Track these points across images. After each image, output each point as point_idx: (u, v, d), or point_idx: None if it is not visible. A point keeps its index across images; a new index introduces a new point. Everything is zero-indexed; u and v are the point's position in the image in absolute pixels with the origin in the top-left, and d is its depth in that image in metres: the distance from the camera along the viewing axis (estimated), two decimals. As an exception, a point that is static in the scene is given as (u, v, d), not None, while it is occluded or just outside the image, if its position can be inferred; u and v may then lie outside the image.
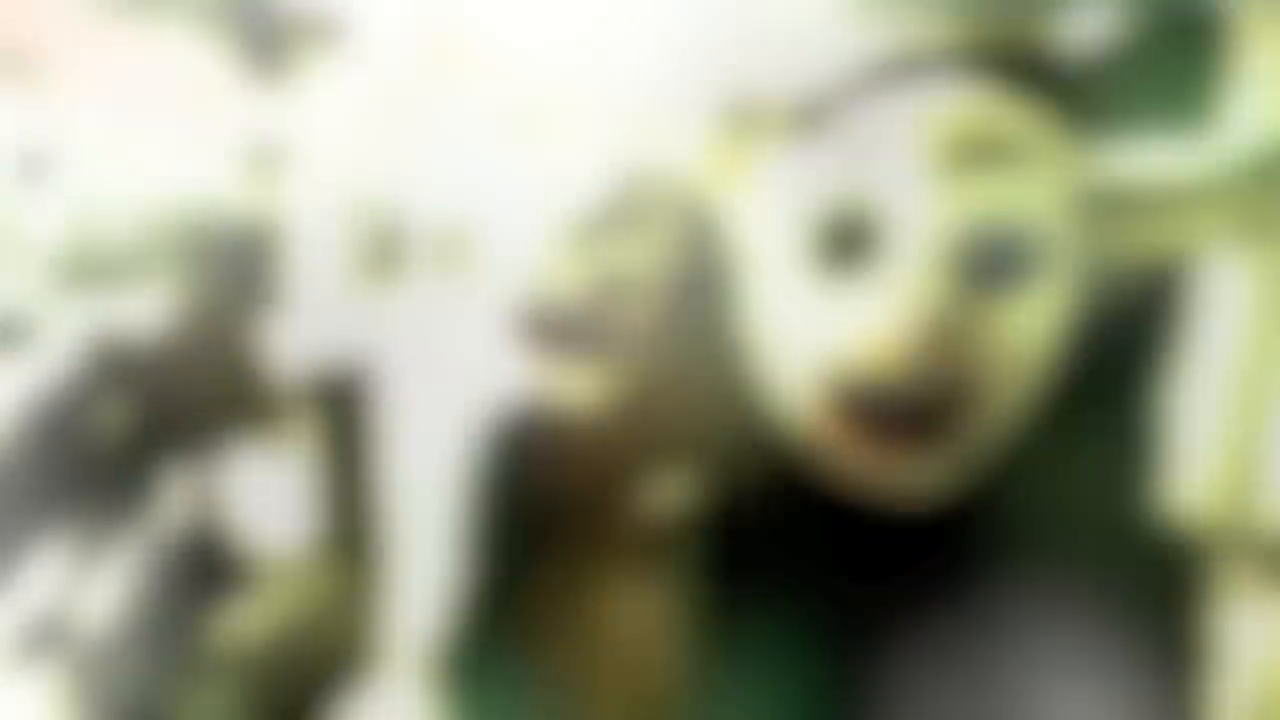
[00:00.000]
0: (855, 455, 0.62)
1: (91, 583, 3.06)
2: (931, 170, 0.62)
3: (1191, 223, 0.64)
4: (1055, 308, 0.63)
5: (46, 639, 2.88)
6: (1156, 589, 0.68)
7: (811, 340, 0.63)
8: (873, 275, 0.62)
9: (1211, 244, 0.64)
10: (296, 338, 1.06)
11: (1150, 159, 0.65)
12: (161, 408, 3.30)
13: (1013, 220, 0.62)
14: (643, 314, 1.13)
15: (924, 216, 0.62)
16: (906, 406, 0.60)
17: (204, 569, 3.45)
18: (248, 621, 3.31)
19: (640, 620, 0.76)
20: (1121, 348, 0.67)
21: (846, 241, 0.63)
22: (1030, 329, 0.62)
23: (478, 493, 1.17)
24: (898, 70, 0.68)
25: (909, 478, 0.62)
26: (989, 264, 0.62)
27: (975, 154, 0.63)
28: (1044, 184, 0.63)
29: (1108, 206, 0.65)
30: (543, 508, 1.11)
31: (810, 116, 0.69)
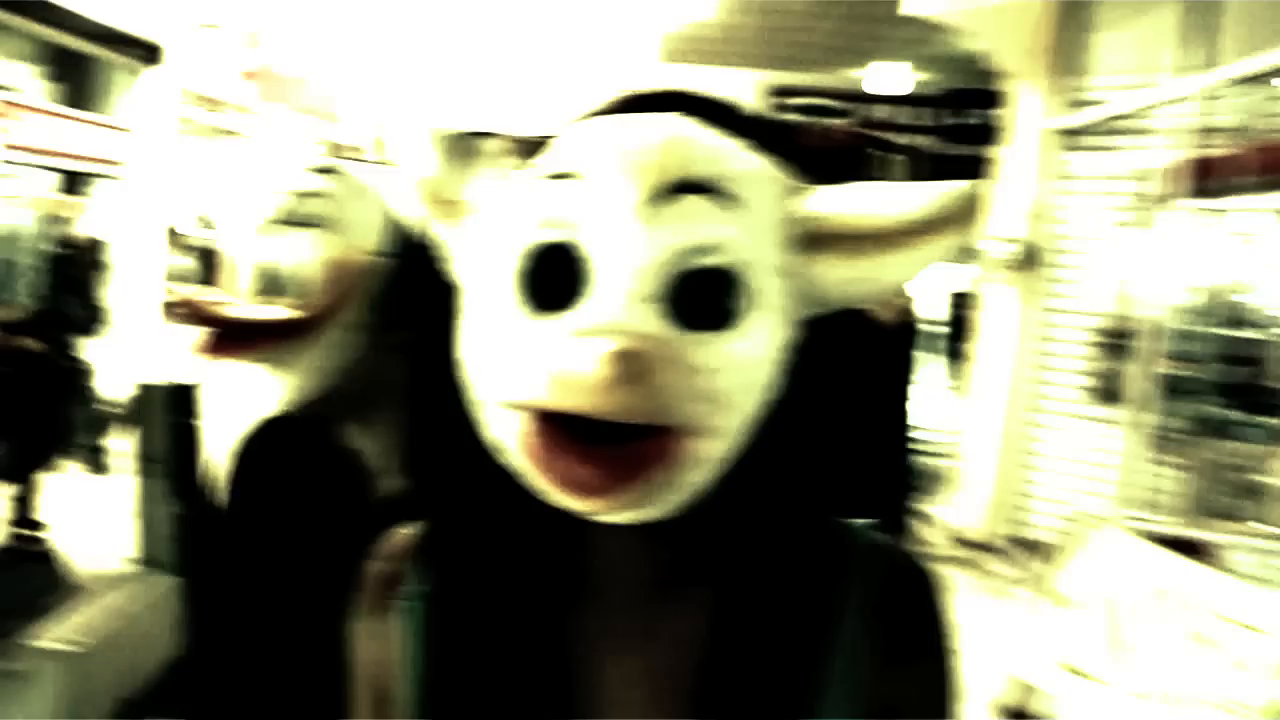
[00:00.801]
0: (559, 482, 0.61)
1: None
2: (640, 207, 0.62)
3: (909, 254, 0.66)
4: (766, 343, 0.64)
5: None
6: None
7: (519, 369, 0.62)
8: (580, 308, 0.62)
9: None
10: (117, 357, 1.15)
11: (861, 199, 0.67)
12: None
13: (721, 256, 0.62)
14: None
15: (631, 252, 0.61)
16: (600, 439, 0.59)
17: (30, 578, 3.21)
18: (70, 627, 3.07)
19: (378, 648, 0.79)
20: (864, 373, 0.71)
21: (557, 274, 0.63)
22: (739, 364, 0.63)
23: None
24: (613, 108, 0.71)
25: (606, 506, 0.61)
26: (697, 299, 0.62)
27: (684, 192, 0.63)
28: (754, 221, 0.64)
29: (818, 243, 0.67)
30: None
31: (526, 150, 0.71)
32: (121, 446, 3.23)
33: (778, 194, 0.67)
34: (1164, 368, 4.58)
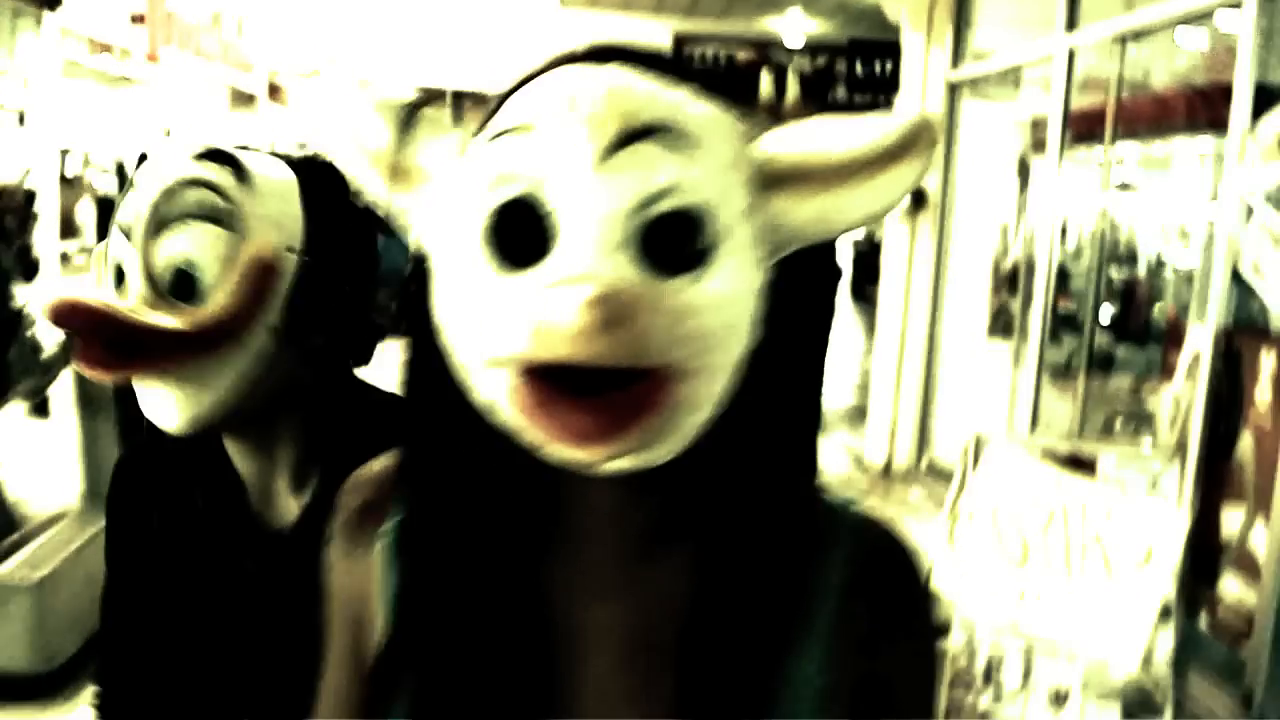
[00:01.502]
0: (555, 433, 0.61)
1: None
2: (597, 156, 0.62)
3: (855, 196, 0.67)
4: (740, 282, 0.64)
5: None
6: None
7: (497, 326, 0.61)
8: (550, 261, 0.62)
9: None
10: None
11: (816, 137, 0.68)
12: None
13: (683, 198, 0.62)
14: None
15: (593, 202, 0.61)
16: (591, 389, 0.59)
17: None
18: (26, 561, 3.24)
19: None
20: (803, 314, 0.72)
21: (522, 230, 0.63)
22: (716, 304, 0.63)
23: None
24: (564, 59, 0.70)
25: (604, 454, 0.61)
26: (664, 243, 0.62)
27: (639, 138, 0.63)
28: (712, 163, 0.64)
29: (777, 182, 0.67)
30: None
31: (479, 107, 0.72)
32: (62, 389, 3.29)
33: (731, 135, 0.67)
34: (1055, 304, 4.90)
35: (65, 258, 11.03)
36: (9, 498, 3.43)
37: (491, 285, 0.63)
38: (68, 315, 0.99)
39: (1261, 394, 3.31)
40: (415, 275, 0.71)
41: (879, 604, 0.75)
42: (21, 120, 11.06)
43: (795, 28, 11.80)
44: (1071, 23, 4.80)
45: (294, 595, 1.08)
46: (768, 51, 13.88)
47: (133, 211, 1.06)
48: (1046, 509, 3.20)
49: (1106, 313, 4.61)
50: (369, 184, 0.73)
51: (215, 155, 1.09)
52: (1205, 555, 3.44)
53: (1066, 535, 3.17)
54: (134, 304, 1.04)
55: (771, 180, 0.67)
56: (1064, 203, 4.89)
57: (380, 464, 0.82)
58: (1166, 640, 3.20)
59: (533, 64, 0.72)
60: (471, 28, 14.90)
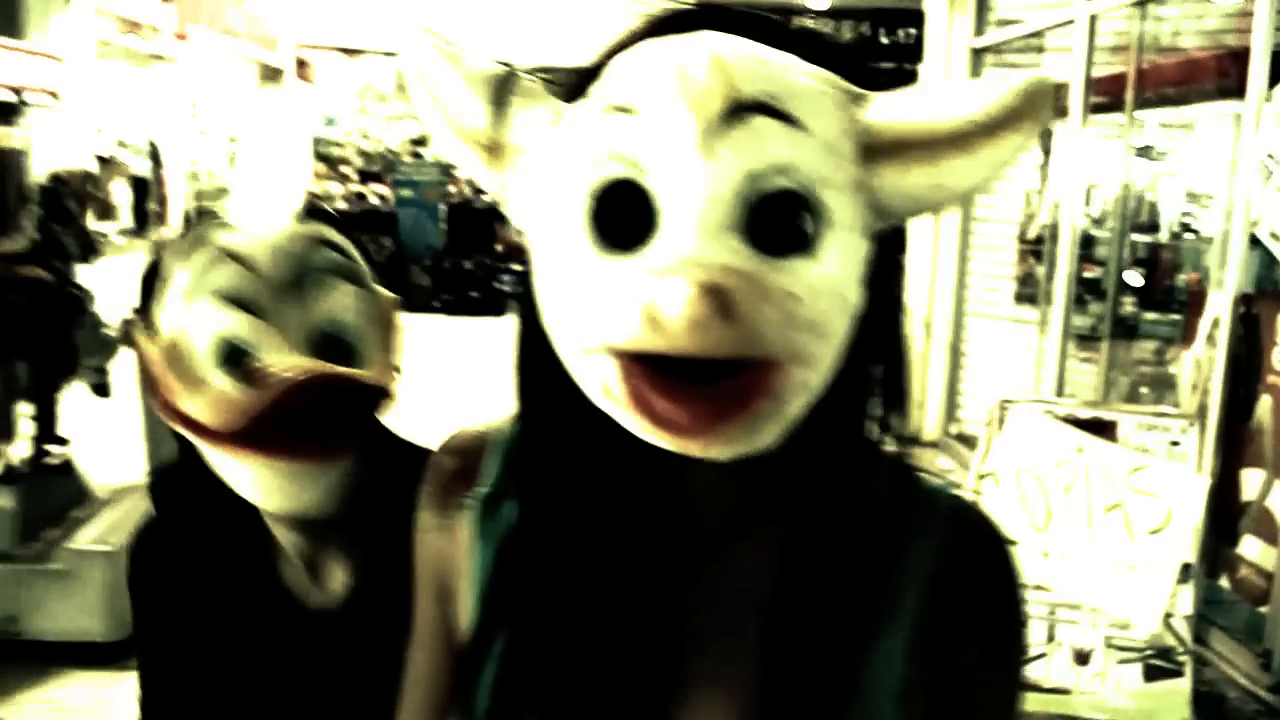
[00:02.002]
0: (659, 424, 0.59)
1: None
2: (702, 135, 0.60)
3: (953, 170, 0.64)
4: (848, 261, 0.62)
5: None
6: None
7: (602, 312, 0.60)
8: (656, 244, 0.60)
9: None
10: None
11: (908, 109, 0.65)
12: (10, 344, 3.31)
13: (791, 177, 0.60)
14: None
15: (698, 183, 0.59)
16: (698, 377, 0.57)
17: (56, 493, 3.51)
18: (100, 530, 3.42)
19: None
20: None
21: (625, 212, 0.61)
22: (827, 286, 0.61)
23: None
24: (649, 30, 0.68)
25: (715, 443, 0.60)
26: (772, 224, 0.60)
27: (744, 113, 0.60)
28: (819, 138, 0.61)
29: (884, 152, 0.64)
30: None
31: (577, 85, 0.67)
32: (124, 367, 3.42)
33: (838, 106, 0.64)
34: (1080, 270, 4.94)
35: (102, 240, 11.20)
36: (79, 471, 3.57)
37: (594, 269, 0.61)
38: (314, 387, 0.93)
39: (1273, 357, 3.36)
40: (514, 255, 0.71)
41: (968, 595, 0.73)
42: (54, 99, 11.22)
43: (818, -7, 11.74)
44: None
45: (345, 677, 1.06)
46: (790, 15, 13.83)
47: (250, 280, 0.98)
48: (1069, 472, 3.27)
49: (1133, 278, 4.63)
50: (466, 163, 0.70)
51: (315, 214, 1.08)
52: (1226, 517, 3.51)
53: (1089, 498, 3.24)
54: (288, 358, 0.95)
55: (879, 150, 0.64)
56: (1087, 169, 4.91)
57: (472, 431, 0.82)
58: (1187, 601, 3.28)
59: (625, 27, 0.70)
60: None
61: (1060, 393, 4.74)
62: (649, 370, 0.58)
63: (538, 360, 0.70)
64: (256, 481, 0.99)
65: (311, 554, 1.11)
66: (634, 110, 0.62)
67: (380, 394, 1.01)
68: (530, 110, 0.68)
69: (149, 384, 1.01)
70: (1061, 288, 4.88)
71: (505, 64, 0.70)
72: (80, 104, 11.57)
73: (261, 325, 0.96)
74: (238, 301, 0.96)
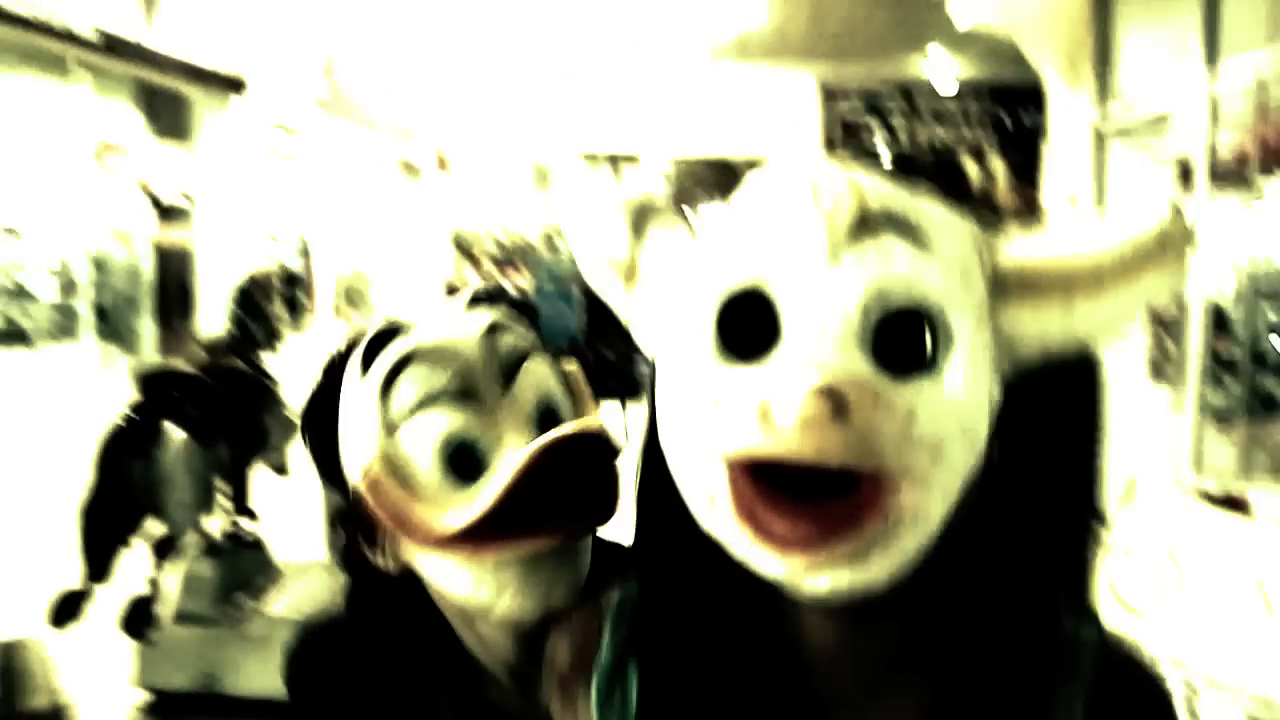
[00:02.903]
0: (768, 537, 0.58)
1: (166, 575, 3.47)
2: (832, 246, 0.60)
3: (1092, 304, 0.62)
4: (974, 388, 0.60)
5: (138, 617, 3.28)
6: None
7: (720, 418, 0.59)
8: (779, 353, 0.59)
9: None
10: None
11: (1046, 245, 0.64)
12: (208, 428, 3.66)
13: (918, 295, 0.59)
14: None
15: (826, 293, 0.59)
16: (810, 494, 0.56)
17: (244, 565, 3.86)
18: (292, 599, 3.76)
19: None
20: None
21: (751, 321, 0.60)
22: (949, 408, 0.59)
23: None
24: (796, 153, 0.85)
25: (822, 563, 0.58)
26: (896, 342, 0.59)
27: (879, 229, 0.60)
28: (948, 262, 0.61)
29: (1016, 289, 0.62)
30: None
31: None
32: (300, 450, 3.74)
33: (968, 237, 0.63)
34: (1213, 345, 4.95)
35: (284, 331, 11.88)
36: (267, 545, 3.89)
37: (715, 376, 0.60)
38: (551, 457, 0.88)
39: None
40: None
41: None
42: (216, 199, 12.06)
43: (944, 71, 11.86)
44: (1211, 60, 4.90)
45: None
46: (914, 96, 14.00)
47: (462, 376, 0.94)
48: (1204, 548, 3.32)
49: (1274, 349, 4.63)
50: (601, 283, 0.72)
51: (484, 298, 1.03)
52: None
53: (1225, 573, 3.28)
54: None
55: (1011, 287, 0.62)
56: (1215, 243, 4.95)
57: (579, 611, 0.81)
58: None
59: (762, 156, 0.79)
60: (626, 89, 15.40)
61: (1198, 469, 4.74)
62: (759, 482, 0.57)
63: (661, 512, 0.69)
64: (498, 583, 0.92)
65: (524, 666, 1.00)
66: (765, 217, 0.62)
67: (610, 449, 0.94)
68: (666, 235, 0.70)
69: (356, 528, 0.98)
70: (1194, 363, 4.90)
71: (649, 193, 0.72)
72: (239, 203, 12.40)
73: (482, 419, 0.93)
74: (451, 399, 0.93)
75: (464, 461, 0.93)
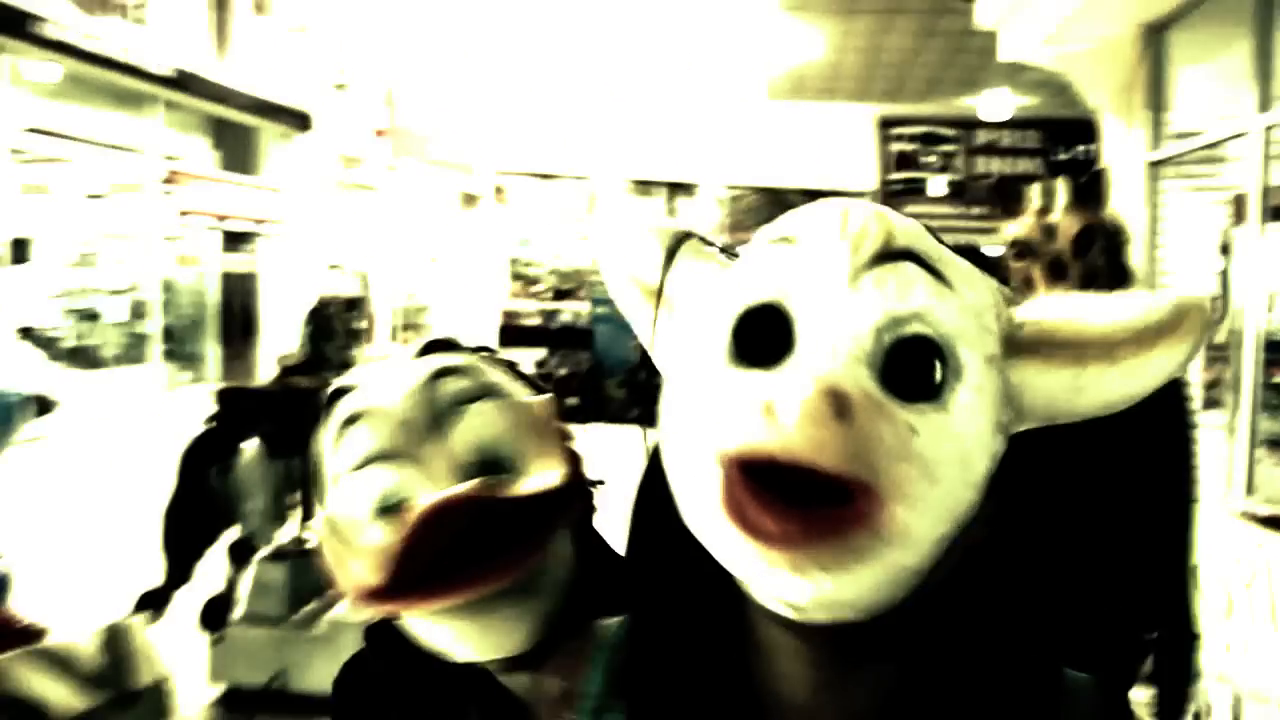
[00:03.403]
0: (754, 532, 0.57)
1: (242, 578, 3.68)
2: (854, 270, 0.61)
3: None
4: (975, 426, 0.61)
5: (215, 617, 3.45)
6: None
7: (724, 417, 0.60)
8: (790, 363, 0.60)
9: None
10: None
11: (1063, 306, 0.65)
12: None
13: (931, 325, 0.60)
14: None
15: (843, 313, 0.60)
16: (806, 494, 0.56)
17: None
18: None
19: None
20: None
21: (767, 334, 0.62)
22: (947, 435, 0.59)
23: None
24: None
25: (804, 564, 0.57)
26: (905, 369, 0.60)
27: (902, 259, 0.62)
28: (963, 302, 0.62)
29: (1028, 347, 0.64)
30: None
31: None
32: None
33: (987, 289, 0.65)
34: (1268, 375, 4.98)
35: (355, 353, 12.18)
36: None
37: (724, 379, 0.62)
38: (444, 515, 0.85)
39: None
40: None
41: None
42: (282, 228, 12.39)
43: (997, 105, 11.92)
44: (1265, 101, 4.96)
45: None
46: (970, 128, 14.05)
47: (386, 433, 0.93)
48: (1248, 568, 3.36)
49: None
50: (629, 305, 0.74)
51: (433, 347, 1.02)
52: None
53: (1270, 592, 3.32)
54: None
55: (1024, 343, 0.64)
56: (1270, 275, 4.99)
57: (571, 644, 0.81)
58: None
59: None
60: (683, 121, 15.59)
61: (1249, 493, 4.76)
62: (754, 481, 0.57)
63: (656, 543, 0.72)
64: (452, 635, 0.93)
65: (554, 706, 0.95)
66: (794, 240, 0.64)
67: (543, 501, 0.91)
68: (696, 265, 0.71)
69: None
70: (1248, 391, 4.93)
71: (685, 229, 0.73)
72: (303, 232, 12.74)
73: (412, 472, 0.91)
74: (384, 458, 0.92)
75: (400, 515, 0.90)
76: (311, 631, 3.73)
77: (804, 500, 0.56)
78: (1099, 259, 2.02)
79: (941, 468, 0.59)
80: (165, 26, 10.54)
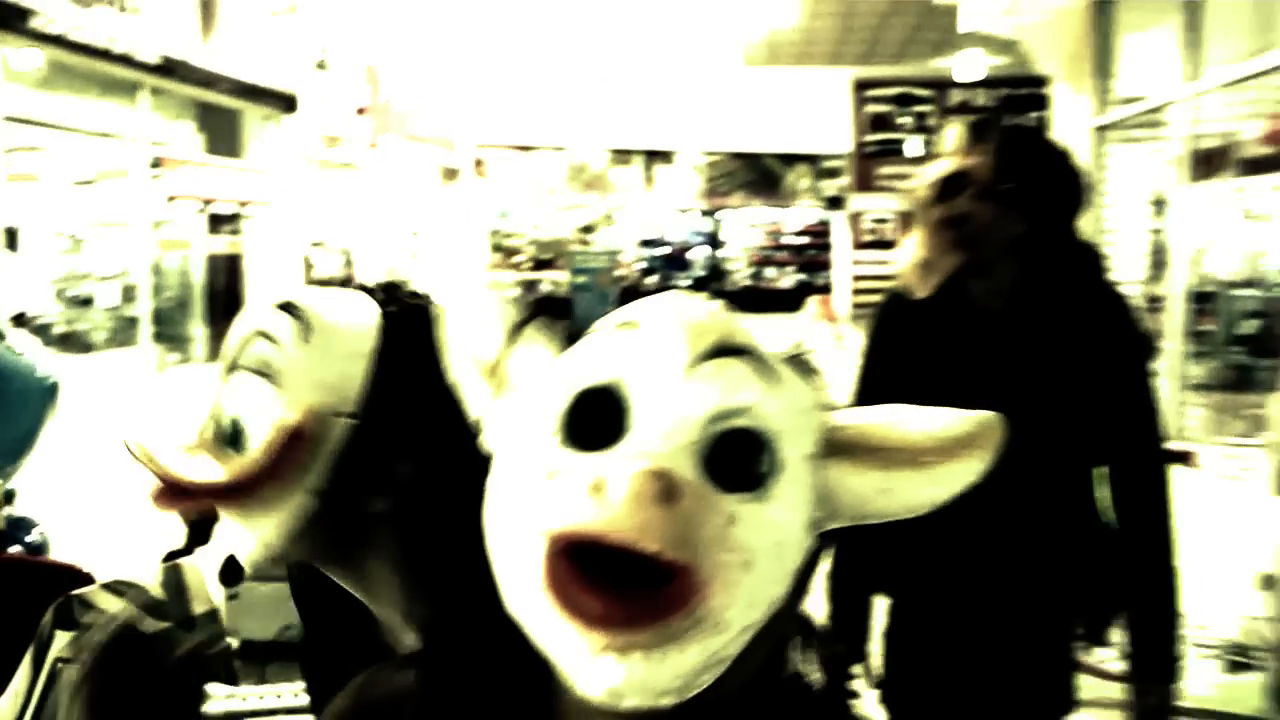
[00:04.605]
0: (575, 611, 0.58)
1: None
2: (689, 361, 0.63)
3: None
4: (791, 519, 0.63)
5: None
6: None
7: (550, 496, 0.61)
8: (619, 447, 0.62)
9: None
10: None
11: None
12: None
13: (758, 422, 0.63)
14: None
15: (674, 401, 0.62)
16: (627, 575, 0.57)
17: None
18: None
19: None
20: None
21: (598, 418, 0.63)
22: (766, 524, 0.62)
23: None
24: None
25: (625, 646, 0.58)
26: (729, 461, 0.62)
27: (733, 355, 0.64)
28: (788, 401, 0.65)
29: (842, 449, 0.67)
30: None
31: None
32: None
33: (809, 392, 0.68)
34: (1193, 324, 5.36)
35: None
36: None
37: (554, 456, 0.63)
38: (140, 460, 0.97)
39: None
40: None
41: None
42: (267, 208, 12.62)
43: (969, 66, 12.13)
44: (1194, 70, 5.33)
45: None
46: (943, 88, 14.32)
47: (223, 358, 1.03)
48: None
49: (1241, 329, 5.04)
50: (466, 383, 0.74)
51: (289, 307, 1.03)
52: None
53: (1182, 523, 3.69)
54: (195, 443, 1.01)
55: (838, 446, 0.67)
56: (1198, 232, 5.36)
57: (387, 685, 0.80)
58: (1263, 605, 3.69)
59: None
60: (659, 90, 15.79)
61: (1177, 435, 5.15)
62: (575, 562, 0.58)
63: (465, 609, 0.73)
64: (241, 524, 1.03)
65: (385, 616, 1.09)
66: (636, 326, 0.66)
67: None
68: (538, 347, 0.71)
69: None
70: (1175, 339, 5.32)
71: (530, 305, 0.75)
72: (288, 212, 12.96)
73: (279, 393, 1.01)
74: (265, 375, 1.01)
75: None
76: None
77: (625, 582, 0.57)
78: (968, 205, 1.82)
79: (758, 556, 0.61)
80: (152, 13, 10.74)
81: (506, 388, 0.71)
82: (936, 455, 0.67)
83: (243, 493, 0.99)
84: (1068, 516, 1.85)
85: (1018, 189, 1.81)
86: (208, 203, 12.24)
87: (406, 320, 1.06)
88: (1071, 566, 1.86)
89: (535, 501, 0.62)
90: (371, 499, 1.02)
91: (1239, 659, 3.97)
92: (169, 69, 10.86)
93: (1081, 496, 1.85)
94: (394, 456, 1.02)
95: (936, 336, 1.91)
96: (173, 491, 0.97)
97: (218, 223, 12.60)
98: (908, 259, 1.87)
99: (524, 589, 0.62)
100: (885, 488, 0.67)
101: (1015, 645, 1.87)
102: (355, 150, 14.39)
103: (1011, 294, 1.84)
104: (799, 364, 0.70)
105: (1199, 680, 3.77)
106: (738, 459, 0.62)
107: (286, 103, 12.74)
